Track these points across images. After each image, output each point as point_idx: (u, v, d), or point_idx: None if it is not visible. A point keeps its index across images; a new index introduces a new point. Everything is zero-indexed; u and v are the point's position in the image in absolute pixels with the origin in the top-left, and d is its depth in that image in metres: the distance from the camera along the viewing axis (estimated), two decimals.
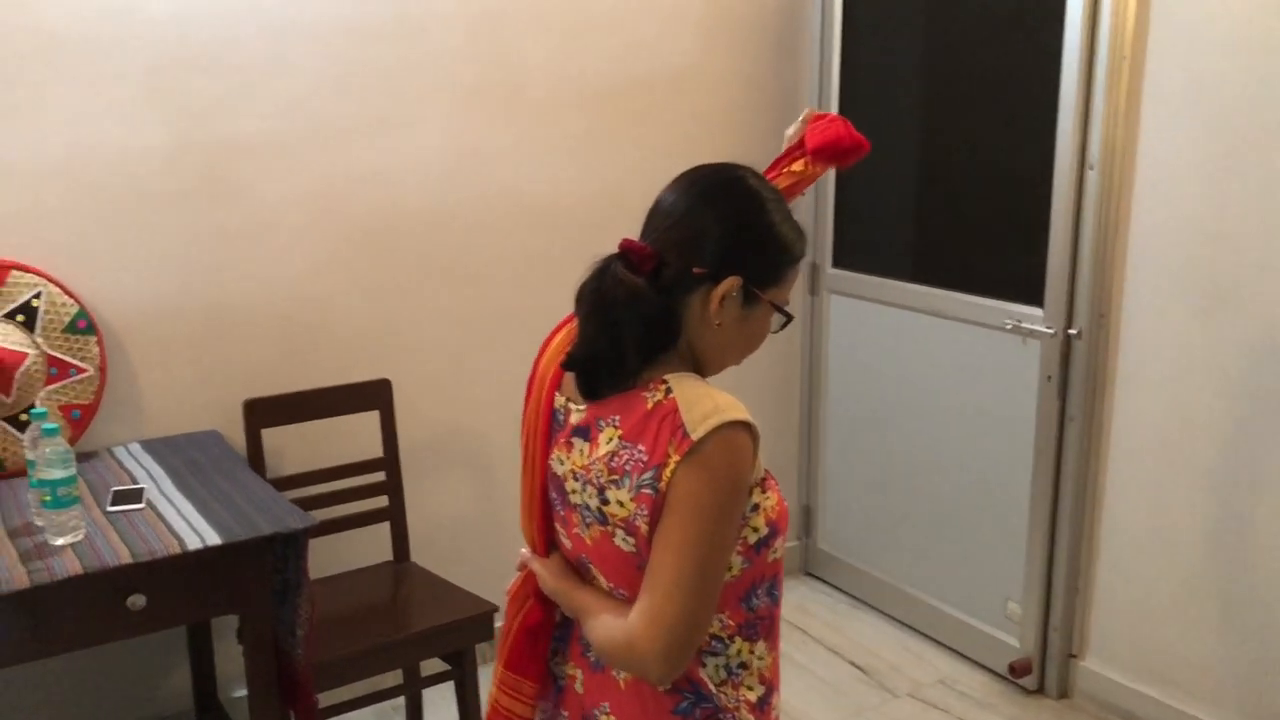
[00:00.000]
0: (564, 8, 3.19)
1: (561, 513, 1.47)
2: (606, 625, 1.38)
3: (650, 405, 1.34)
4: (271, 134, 2.84)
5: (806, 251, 1.45)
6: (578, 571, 1.49)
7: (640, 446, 1.32)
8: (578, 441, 1.41)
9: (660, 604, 1.29)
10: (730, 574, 1.36)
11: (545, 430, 1.48)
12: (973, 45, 3.24)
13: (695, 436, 1.29)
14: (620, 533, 1.36)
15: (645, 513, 1.32)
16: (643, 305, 1.34)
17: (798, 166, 1.64)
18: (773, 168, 1.71)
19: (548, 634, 1.55)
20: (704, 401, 1.31)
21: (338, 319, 3.02)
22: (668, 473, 1.29)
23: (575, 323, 1.44)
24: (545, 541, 1.53)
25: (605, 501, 1.36)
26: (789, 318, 1.43)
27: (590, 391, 1.39)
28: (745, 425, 1.31)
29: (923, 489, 3.51)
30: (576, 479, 1.40)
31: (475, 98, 3.11)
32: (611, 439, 1.36)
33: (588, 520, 1.40)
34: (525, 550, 1.56)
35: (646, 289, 1.35)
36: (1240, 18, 2.60)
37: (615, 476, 1.34)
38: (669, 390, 1.33)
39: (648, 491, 1.31)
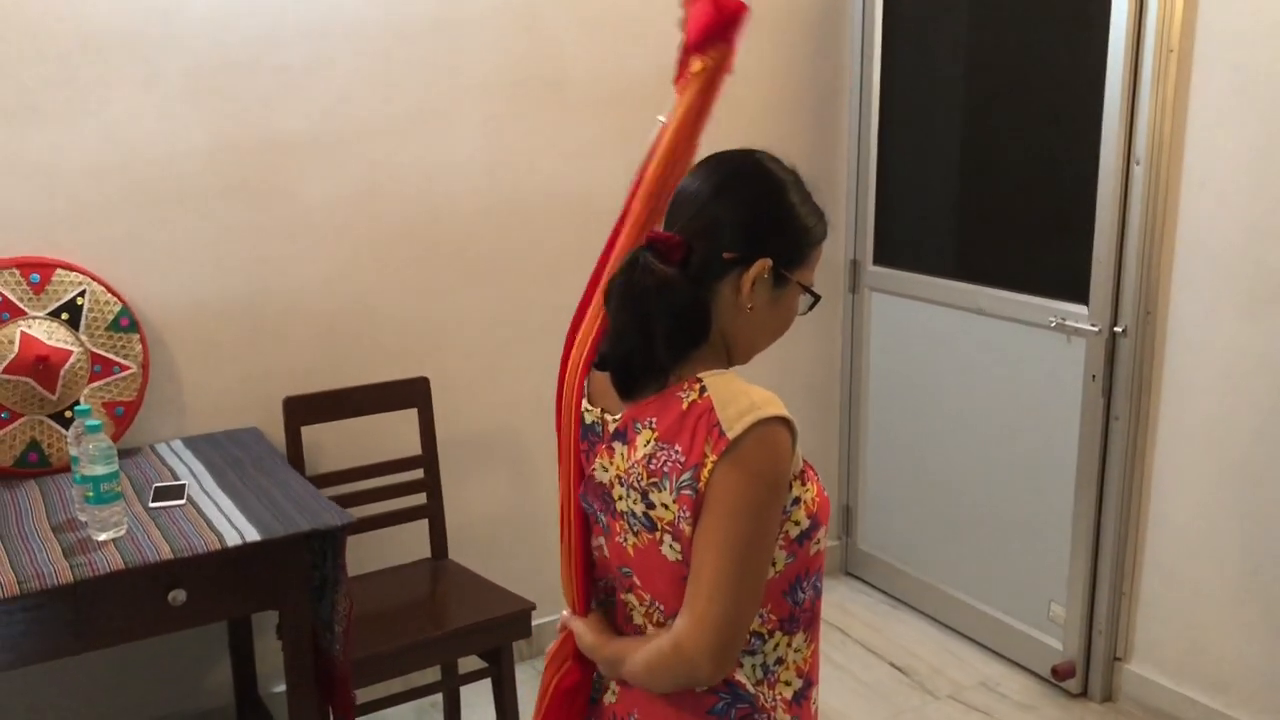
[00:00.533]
0: (602, 4, 3.18)
1: (604, 520, 1.45)
2: (649, 647, 1.37)
3: (685, 405, 1.32)
4: (312, 133, 2.86)
5: (827, 232, 1.44)
6: (617, 629, 1.48)
7: (677, 447, 1.31)
8: (618, 446, 1.40)
9: (704, 605, 1.29)
10: (774, 569, 1.35)
11: (578, 480, 1.46)
12: (1016, 38, 3.20)
13: (732, 435, 1.28)
14: (668, 539, 1.34)
15: (688, 514, 1.31)
16: (674, 295, 1.33)
17: (696, 66, 1.53)
18: (678, 76, 1.54)
19: (584, 697, 1.53)
20: (740, 399, 1.30)
21: (377, 317, 3.03)
22: (706, 473, 1.28)
23: (602, 323, 1.43)
24: (585, 600, 1.51)
25: (650, 505, 1.35)
26: (817, 297, 1.42)
27: (626, 390, 1.38)
28: (782, 420, 1.30)
29: (964, 488, 3.47)
30: (621, 484, 1.39)
31: (514, 95, 3.11)
32: (648, 441, 1.34)
33: (635, 528, 1.39)
34: (566, 612, 1.55)
35: (678, 277, 1.34)
36: None
37: (655, 479, 1.33)
38: (703, 389, 1.32)
39: (688, 493, 1.30)
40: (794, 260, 1.39)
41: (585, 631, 1.48)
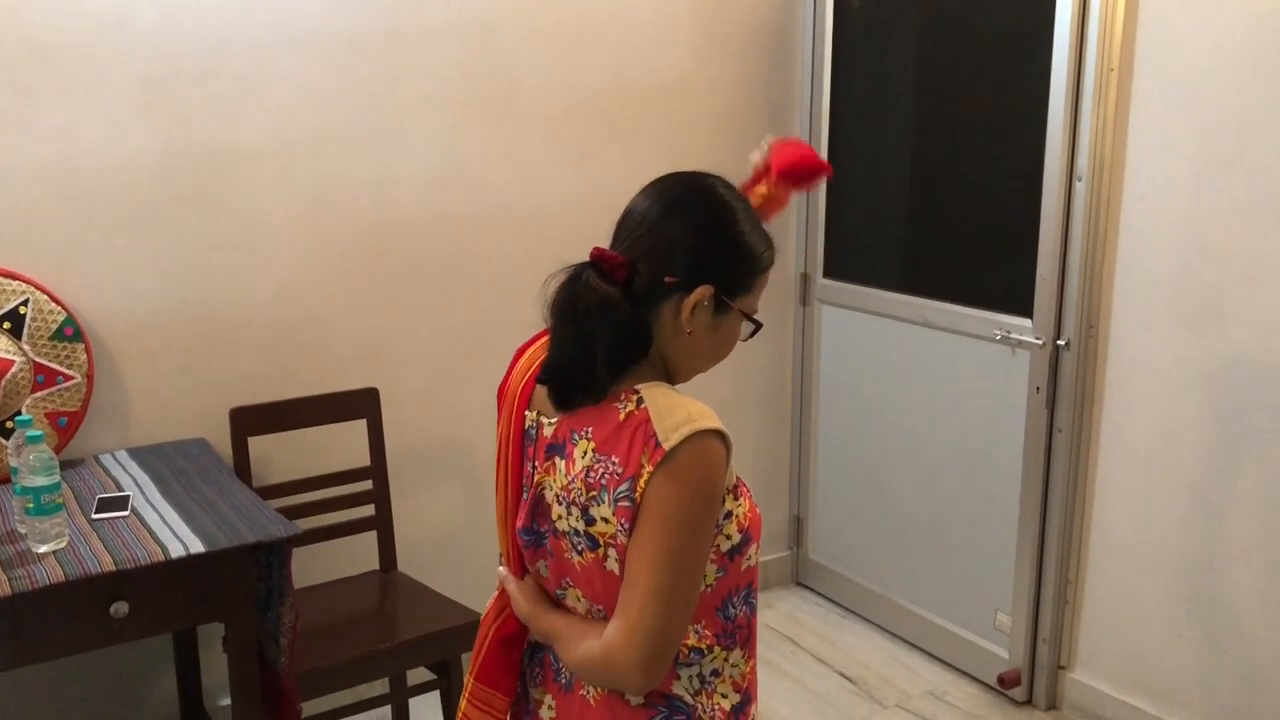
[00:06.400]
0: (556, 18, 3.20)
1: (548, 543, 1.44)
2: (582, 645, 1.37)
3: (622, 416, 1.33)
4: (262, 143, 2.84)
5: (775, 260, 1.45)
6: (551, 598, 1.49)
7: (614, 458, 1.32)
8: (556, 461, 1.40)
9: (636, 616, 1.29)
10: (705, 583, 1.36)
11: (517, 448, 1.47)
12: (962, 56, 3.25)
13: (668, 446, 1.28)
14: (612, 553, 1.35)
15: (625, 525, 1.31)
16: (615, 314, 1.34)
17: (762, 189, 1.62)
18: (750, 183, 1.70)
19: (520, 646, 1.54)
20: (676, 411, 1.31)
21: (326, 327, 3.01)
22: (642, 483, 1.29)
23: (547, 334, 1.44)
24: (520, 560, 1.51)
25: (591, 521, 1.35)
26: (758, 325, 1.43)
27: (563, 403, 1.39)
28: (717, 433, 1.31)
29: (913, 499, 3.51)
30: (560, 502, 1.39)
31: (467, 107, 3.11)
32: (586, 452, 1.35)
33: (579, 547, 1.38)
34: (503, 569, 1.55)
35: (619, 298, 1.35)
36: (1228, 29, 2.61)
37: (594, 492, 1.34)
38: (640, 400, 1.33)
39: (625, 504, 1.31)
40: (737, 288, 1.40)
41: (521, 599, 1.49)
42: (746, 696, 1.46)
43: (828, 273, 3.71)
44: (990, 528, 3.24)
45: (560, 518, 1.39)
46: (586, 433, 1.36)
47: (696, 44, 3.47)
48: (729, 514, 1.35)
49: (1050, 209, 2.92)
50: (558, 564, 1.44)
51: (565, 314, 1.37)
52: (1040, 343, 2.99)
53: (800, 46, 3.65)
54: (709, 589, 1.37)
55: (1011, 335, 3.06)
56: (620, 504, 1.31)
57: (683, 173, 1.45)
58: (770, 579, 3.97)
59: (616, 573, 1.35)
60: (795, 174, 1.56)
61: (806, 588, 3.98)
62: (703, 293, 1.36)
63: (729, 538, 1.36)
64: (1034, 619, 3.16)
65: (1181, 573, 2.86)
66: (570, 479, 1.37)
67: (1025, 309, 3.03)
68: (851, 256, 3.66)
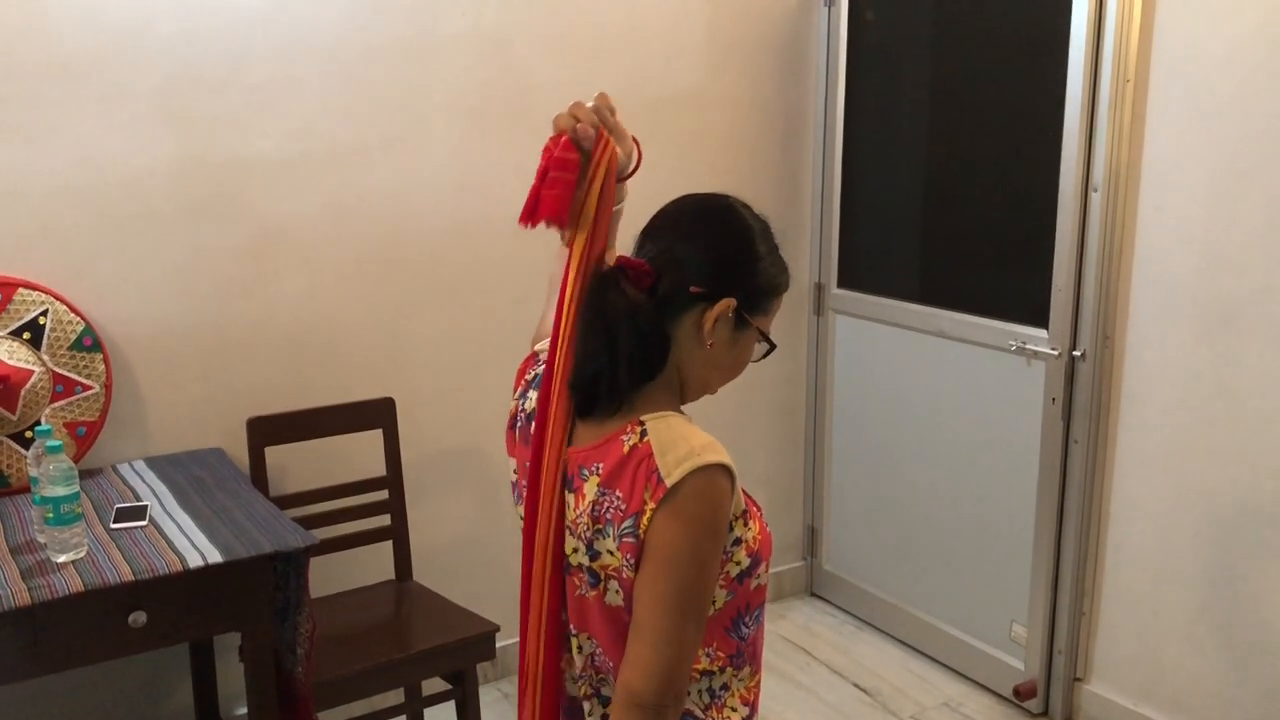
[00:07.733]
0: (572, 30, 3.21)
1: (566, 576, 1.44)
2: None
3: (626, 449, 1.33)
4: (280, 153, 2.86)
5: (790, 285, 1.47)
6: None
7: (618, 493, 1.32)
8: (568, 496, 1.39)
9: (649, 657, 1.29)
10: (714, 607, 1.36)
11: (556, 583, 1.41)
12: (977, 66, 3.25)
13: (670, 482, 1.29)
14: (613, 584, 1.35)
15: (631, 560, 1.31)
16: (640, 320, 1.35)
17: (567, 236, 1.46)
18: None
19: None
20: (679, 445, 1.31)
21: (343, 338, 3.03)
22: (645, 520, 1.29)
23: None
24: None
25: (595, 555, 1.35)
26: (772, 346, 1.45)
27: (585, 411, 1.39)
28: (721, 467, 1.31)
29: (928, 509, 3.50)
30: (571, 534, 1.39)
31: (483, 118, 3.12)
32: (594, 487, 1.35)
33: (591, 582, 1.38)
34: None
35: (647, 303, 1.36)
36: (1244, 39, 2.60)
37: (599, 526, 1.34)
38: (644, 433, 1.33)
39: (630, 540, 1.31)
40: (755, 306, 1.41)
41: None
42: (752, 709, 1.46)
43: (842, 282, 3.71)
44: (1006, 538, 3.24)
45: (574, 551, 1.39)
46: (596, 468, 1.36)
47: (711, 56, 3.47)
48: (738, 540, 1.35)
49: (1066, 219, 2.92)
50: (571, 601, 1.43)
51: (593, 321, 1.37)
52: (1056, 353, 2.98)
53: (815, 58, 3.66)
54: (718, 611, 1.36)
55: (1027, 346, 3.06)
56: (625, 539, 1.31)
57: (704, 193, 1.47)
58: (784, 589, 3.96)
59: (618, 605, 1.35)
60: (548, 216, 1.41)
61: (821, 598, 3.97)
62: (726, 304, 1.38)
63: (738, 563, 1.36)
64: (1050, 630, 3.15)
65: (1198, 584, 2.85)
66: (579, 513, 1.37)
67: (1041, 320, 3.03)
68: (866, 266, 3.66)
